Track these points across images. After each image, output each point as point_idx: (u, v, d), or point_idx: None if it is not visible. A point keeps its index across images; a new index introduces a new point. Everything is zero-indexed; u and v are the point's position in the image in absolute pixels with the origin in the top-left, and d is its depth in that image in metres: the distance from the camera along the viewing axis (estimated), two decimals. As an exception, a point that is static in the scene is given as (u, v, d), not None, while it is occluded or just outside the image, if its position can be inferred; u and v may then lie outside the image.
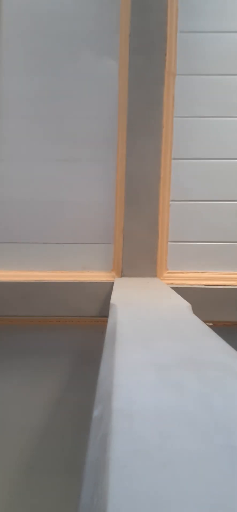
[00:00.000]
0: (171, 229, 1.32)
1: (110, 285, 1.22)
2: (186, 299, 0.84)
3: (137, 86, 1.25)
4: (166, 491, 0.21)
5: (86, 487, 0.25)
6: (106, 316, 0.74)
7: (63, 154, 1.31)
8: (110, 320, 0.66)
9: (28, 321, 1.30)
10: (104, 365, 0.45)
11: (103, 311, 1.25)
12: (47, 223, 1.33)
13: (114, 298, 0.84)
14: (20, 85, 1.30)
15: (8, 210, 1.32)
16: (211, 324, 1.24)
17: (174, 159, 1.31)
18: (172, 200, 1.32)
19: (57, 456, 1.30)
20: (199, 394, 0.34)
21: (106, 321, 0.68)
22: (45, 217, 1.32)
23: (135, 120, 1.25)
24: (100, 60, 1.30)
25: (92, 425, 0.32)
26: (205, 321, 0.64)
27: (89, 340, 1.31)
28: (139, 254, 1.28)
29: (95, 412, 0.34)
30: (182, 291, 1.02)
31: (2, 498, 1.29)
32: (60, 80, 1.30)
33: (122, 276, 1.29)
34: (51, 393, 1.31)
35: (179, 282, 1.29)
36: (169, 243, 1.33)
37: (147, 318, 0.66)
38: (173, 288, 1.11)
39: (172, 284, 1.24)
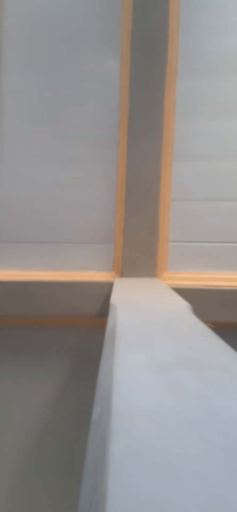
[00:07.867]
0: (171, 229, 1.32)
1: (110, 285, 1.22)
2: (186, 300, 0.84)
3: (138, 85, 1.25)
4: (165, 493, 0.21)
5: (85, 488, 0.25)
6: (106, 316, 0.73)
7: (63, 154, 1.31)
8: (110, 320, 0.66)
9: (28, 320, 1.30)
10: (104, 365, 0.45)
11: (103, 311, 1.25)
12: (47, 223, 1.32)
13: (114, 298, 0.84)
14: (20, 84, 1.30)
15: (8, 209, 1.32)
16: (211, 325, 1.23)
17: (175, 159, 1.31)
18: (172, 200, 1.32)
19: (56, 457, 1.30)
20: (199, 394, 0.33)
21: (106, 321, 0.68)
22: (46, 217, 1.32)
23: (136, 120, 1.25)
24: (101, 59, 1.29)
25: (92, 426, 0.32)
26: (204, 322, 0.64)
27: (89, 340, 1.31)
28: (139, 254, 1.28)
29: (95, 413, 0.33)
30: (182, 292, 1.02)
31: (1, 498, 1.29)
32: (61, 80, 1.30)
33: (121, 276, 1.29)
34: (51, 392, 1.31)
35: (179, 283, 1.29)
36: (169, 243, 1.32)
37: (147, 318, 0.66)
38: (173, 288, 1.10)
39: (172, 284, 1.24)
